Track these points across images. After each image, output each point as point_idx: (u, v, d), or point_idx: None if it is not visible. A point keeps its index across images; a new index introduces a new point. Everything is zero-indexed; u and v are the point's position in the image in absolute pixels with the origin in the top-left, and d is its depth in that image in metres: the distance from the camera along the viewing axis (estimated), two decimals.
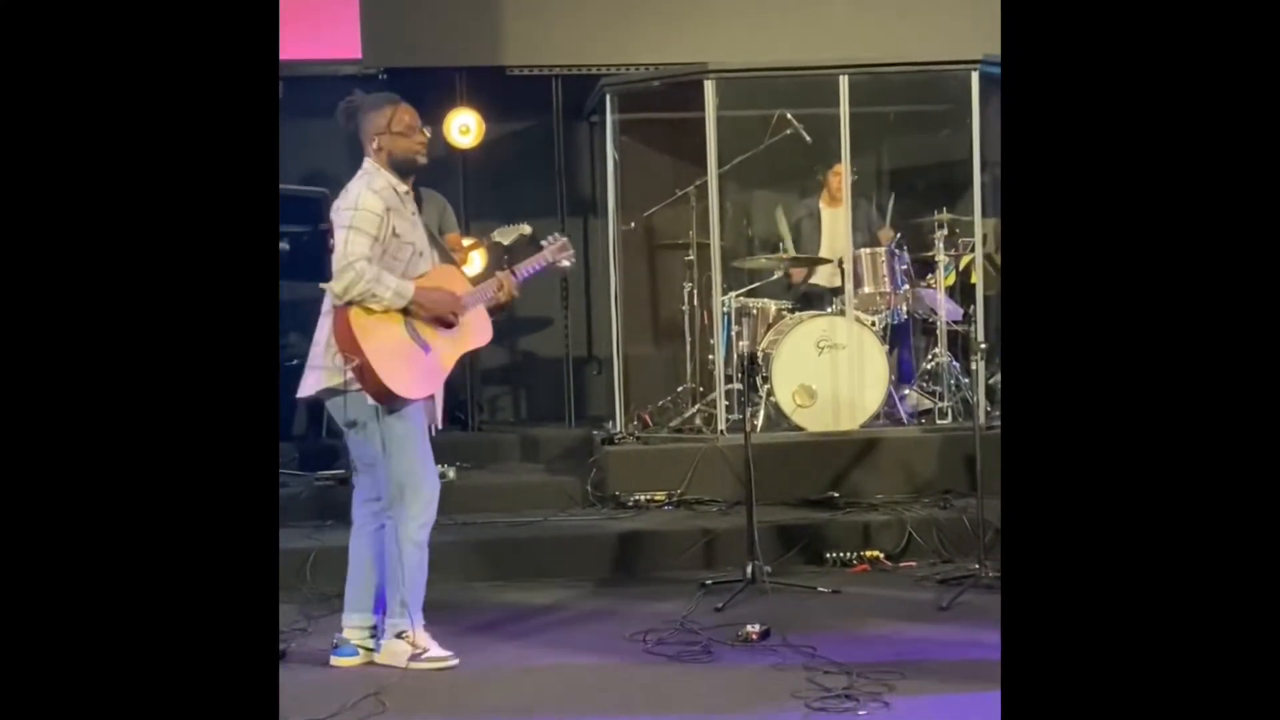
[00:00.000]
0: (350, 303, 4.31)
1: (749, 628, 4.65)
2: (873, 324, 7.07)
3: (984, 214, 7.15)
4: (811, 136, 7.45)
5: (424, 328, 4.44)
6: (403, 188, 4.52)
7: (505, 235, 6.85)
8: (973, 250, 7.26)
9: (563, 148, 8.65)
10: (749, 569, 5.29)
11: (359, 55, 7.86)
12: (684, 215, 7.65)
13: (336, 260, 4.30)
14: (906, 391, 7.24)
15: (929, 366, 7.35)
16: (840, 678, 4.09)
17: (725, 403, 6.99)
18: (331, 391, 4.38)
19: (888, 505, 6.34)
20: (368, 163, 4.52)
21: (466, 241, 7.37)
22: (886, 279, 7.15)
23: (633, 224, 7.88)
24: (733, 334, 7.22)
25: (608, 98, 7.52)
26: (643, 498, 6.50)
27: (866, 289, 7.15)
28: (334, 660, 4.54)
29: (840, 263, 7.21)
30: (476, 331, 4.60)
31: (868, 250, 7.23)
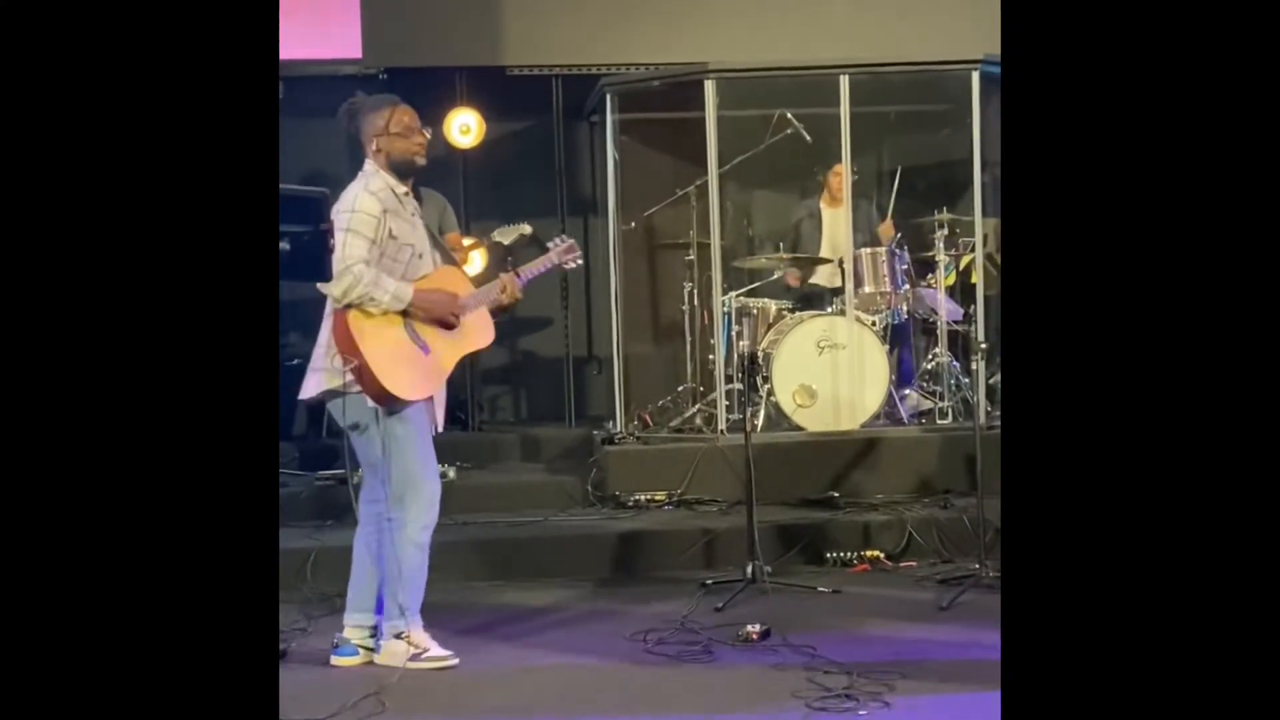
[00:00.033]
0: (349, 305, 4.31)
1: (749, 628, 4.65)
2: (873, 324, 7.07)
3: (984, 214, 7.16)
4: (812, 136, 7.46)
5: (424, 329, 4.44)
6: (401, 189, 4.52)
7: (505, 235, 6.85)
8: (973, 250, 7.26)
9: (563, 147, 8.65)
10: (749, 569, 5.29)
11: (359, 55, 7.86)
12: (684, 215, 7.65)
13: (336, 263, 4.31)
14: (907, 391, 7.24)
15: (929, 366, 7.36)
16: (841, 678, 4.09)
17: (725, 402, 6.99)
18: (332, 393, 4.38)
19: (888, 505, 6.34)
20: (367, 164, 4.52)
21: (467, 241, 7.37)
22: (887, 279, 7.15)
23: (633, 224, 7.88)
24: (733, 334, 7.22)
25: (608, 97, 7.52)
26: (643, 498, 6.50)
27: (867, 289, 7.15)
28: (334, 660, 4.54)
29: (840, 263, 7.21)
30: (478, 333, 4.60)
31: (868, 250, 7.23)
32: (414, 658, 4.42)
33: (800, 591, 5.34)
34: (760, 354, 6.97)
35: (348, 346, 4.30)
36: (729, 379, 7.08)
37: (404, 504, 4.43)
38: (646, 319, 8.61)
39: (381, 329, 4.34)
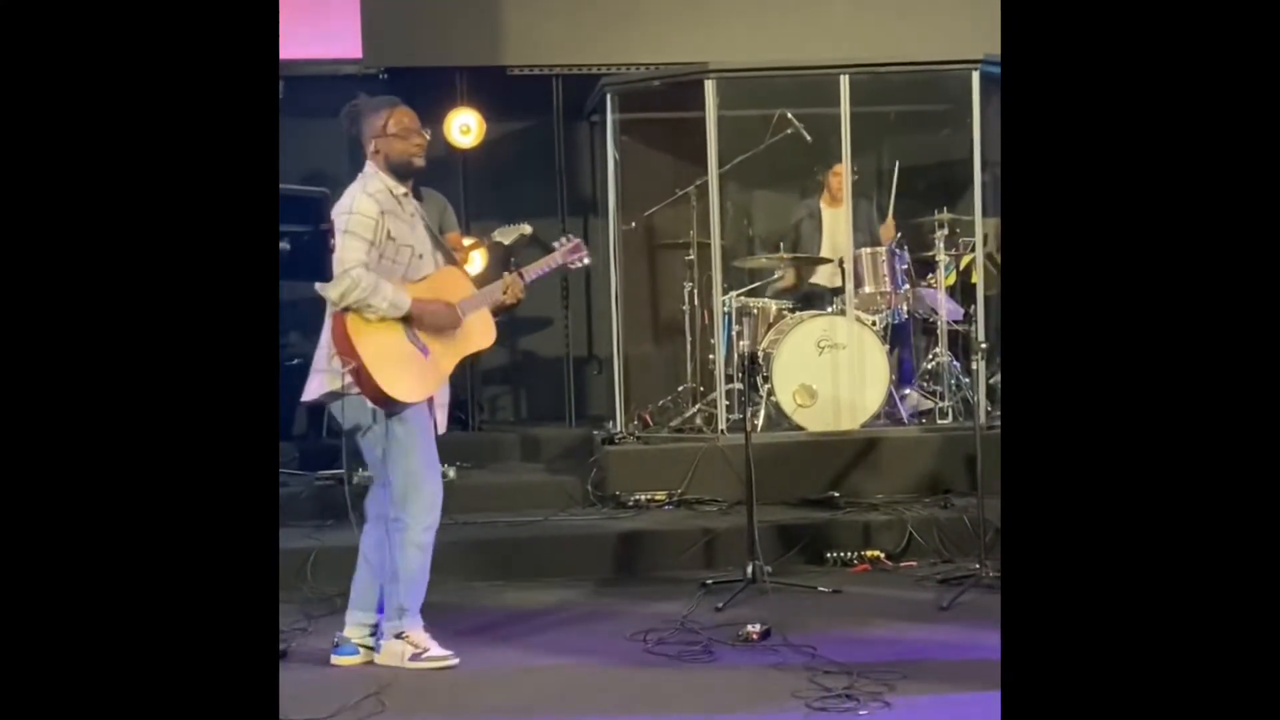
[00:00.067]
0: (347, 308, 4.31)
1: (749, 628, 4.65)
2: (873, 324, 7.07)
3: (984, 214, 7.15)
4: (812, 136, 7.46)
5: (423, 330, 4.43)
6: (400, 190, 4.51)
7: (506, 235, 6.85)
8: (973, 250, 7.26)
9: (563, 147, 8.65)
10: (749, 569, 5.29)
11: (359, 55, 7.86)
12: (684, 215, 7.65)
13: (336, 265, 4.31)
14: (907, 391, 7.24)
15: (929, 366, 7.35)
16: (841, 678, 4.09)
17: (726, 402, 6.99)
18: (333, 395, 4.38)
19: (888, 505, 6.34)
20: (367, 165, 4.52)
21: (467, 241, 7.37)
22: (887, 279, 7.15)
23: (633, 223, 7.88)
24: (733, 334, 7.22)
25: (608, 97, 7.52)
26: (643, 497, 6.50)
27: (867, 289, 7.15)
28: (334, 659, 4.54)
29: (841, 262, 7.21)
30: (479, 334, 4.59)
31: (868, 250, 7.23)
32: (414, 658, 4.42)
33: (800, 591, 5.33)
34: (760, 354, 6.97)
35: (346, 349, 4.30)
36: (729, 379, 7.08)
37: (405, 505, 4.43)
38: (647, 319, 8.61)
39: (380, 331, 4.33)
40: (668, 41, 7.98)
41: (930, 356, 7.38)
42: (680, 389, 7.71)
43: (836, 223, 7.55)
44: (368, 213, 4.35)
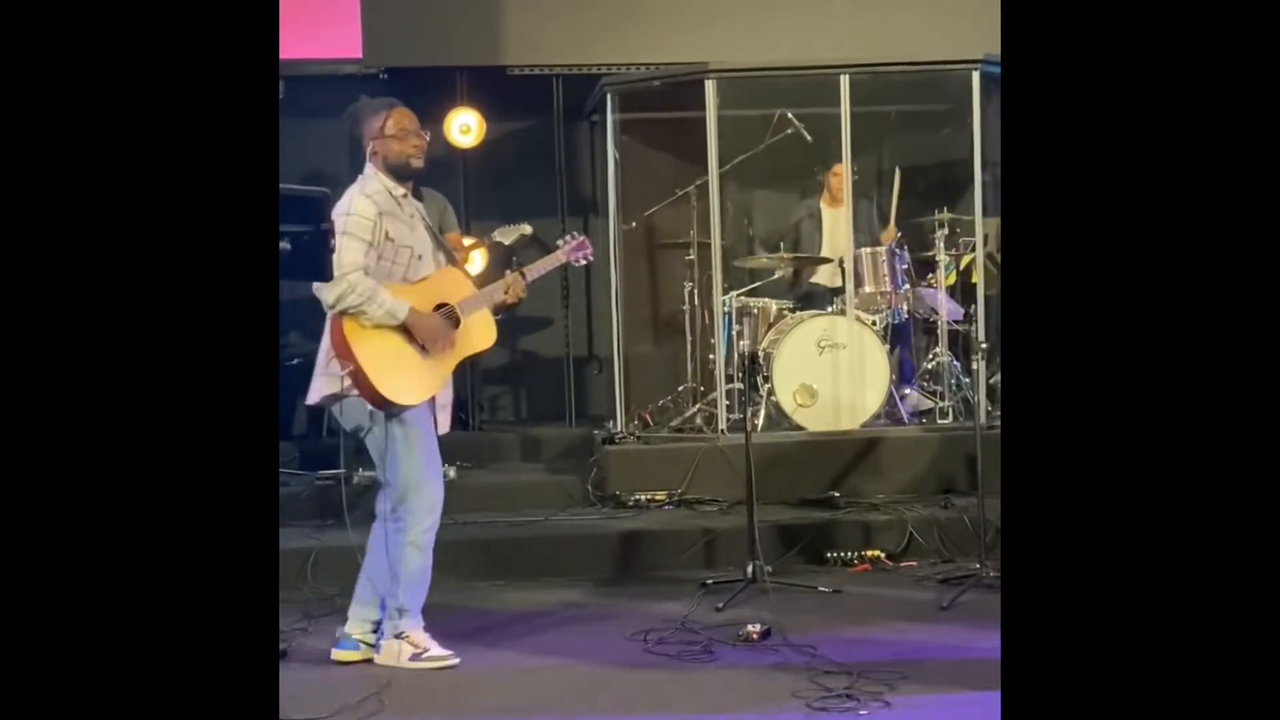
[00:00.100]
0: (344, 312, 4.31)
1: (750, 627, 4.65)
2: (873, 323, 7.07)
3: (985, 213, 7.15)
4: (812, 136, 7.46)
5: (420, 338, 4.42)
6: (399, 191, 4.51)
7: (506, 235, 6.85)
8: (973, 250, 7.26)
9: (563, 147, 8.65)
10: (750, 569, 5.29)
11: (360, 55, 7.86)
12: (684, 215, 7.65)
13: (335, 266, 4.31)
14: (907, 391, 7.24)
15: (930, 366, 7.35)
16: (841, 677, 4.09)
17: (726, 402, 6.99)
18: (334, 398, 4.39)
19: (888, 505, 6.34)
20: (367, 167, 4.52)
21: (467, 241, 7.37)
22: (887, 278, 7.15)
23: (633, 223, 7.88)
24: (733, 333, 7.22)
25: (608, 97, 7.52)
26: (643, 497, 6.50)
27: (867, 288, 7.15)
28: (335, 654, 4.54)
29: (841, 262, 7.21)
30: (479, 334, 4.58)
31: (868, 250, 7.23)
32: (414, 658, 4.42)
33: (801, 591, 5.33)
34: (761, 354, 6.97)
35: (343, 351, 4.30)
36: (729, 379, 7.08)
37: (406, 505, 4.43)
38: (647, 319, 8.61)
39: (378, 333, 4.33)
40: (668, 41, 7.98)
41: (930, 356, 7.38)
42: (680, 389, 7.71)
43: (836, 223, 7.55)
44: (365, 214, 4.34)
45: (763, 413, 6.91)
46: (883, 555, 5.87)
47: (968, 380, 7.03)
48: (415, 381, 4.38)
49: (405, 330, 4.37)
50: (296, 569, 5.56)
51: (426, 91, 7.66)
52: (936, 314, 7.24)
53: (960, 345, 7.34)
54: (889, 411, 7.00)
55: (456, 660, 4.46)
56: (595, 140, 8.50)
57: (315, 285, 4.25)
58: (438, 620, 4.64)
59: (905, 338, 7.47)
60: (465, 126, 8.10)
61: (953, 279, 7.51)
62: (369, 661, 4.51)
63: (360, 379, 4.28)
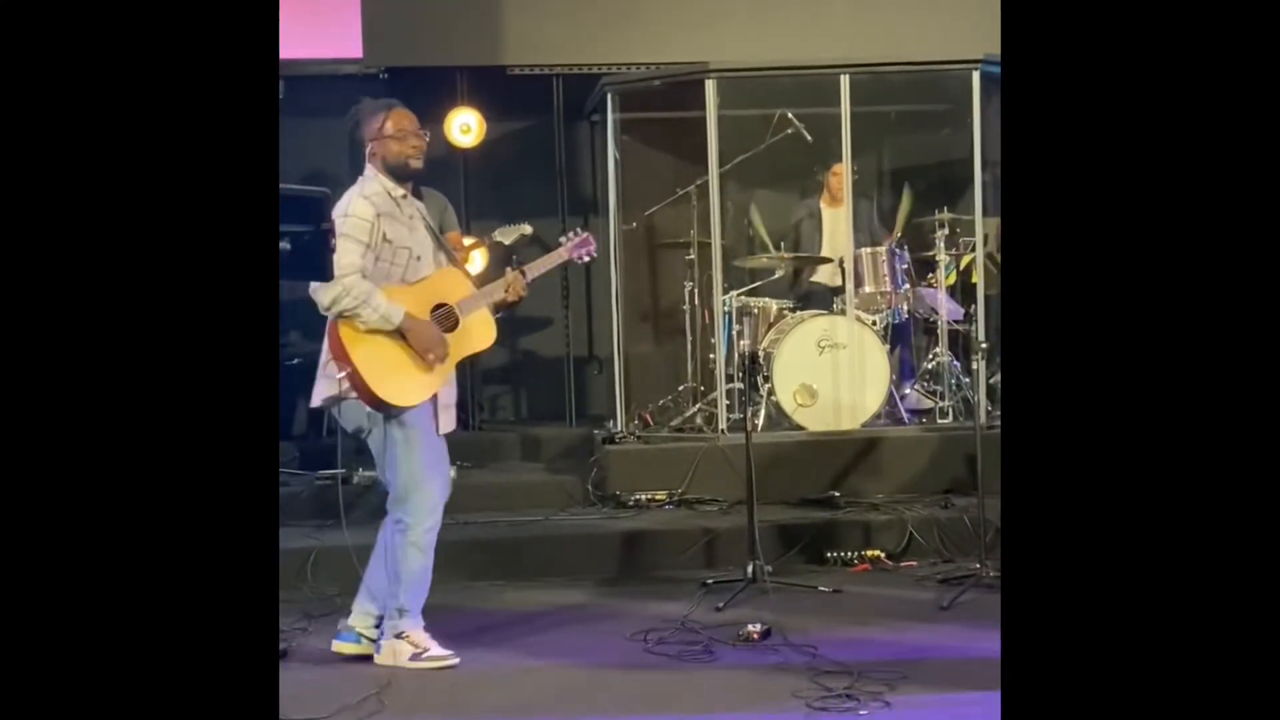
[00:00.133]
0: (340, 315, 4.31)
1: (750, 627, 4.66)
2: (873, 323, 7.07)
3: (985, 213, 7.15)
4: (812, 136, 7.46)
5: (414, 343, 4.41)
6: (399, 191, 4.51)
7: (506, 235, 6.85)
8: (973, 249, 7.26)
9: (564, 147, 8.65)
10: (750, 568, 5.29)
11: (360, 54, 7.86)
12: (685, 214, 7.65)
13: (335, 268, 4.30)
14: (907, 391, 7.24)
15: (930, 366, 7.35)
16: (841, 677, 4.10)
17: (726, 402, 6.99)
18: (335, 399, 4.39)
19: (888, 505, 6.34)
20: (367, 168, 4.52)
21: (467, 241, 7.37)
22: (887, 278, 7.15)
23: (634, 223, 7.88)
24: (734, 333, 7.22)
25: (608, 97, 7.52)
26: (643, 497, 6.50)
27: (867, 288, 7.15)
28: (335, 645, 4.55)
29: (841, 262, 7.21)
30: (478, 334, 4.57)
31: (868, 250, 7.23)
32: (414, 657, 4.42)
33: (801, 591, 5.33)
34: (761, 353, 6.97)
35: (339, 354, 4.30)
36: (729, 378, 7.08)
37: (406, 506, 4.43)
38: (647, 318, 8.62)
39: (374, 335, 4.32)
40: (668, 41, 7.98)
41: (930, 356, 7.38)
42: (680, 388, 7.71)
43: (837, 222, 7.55)
44: (362, 216, 4.35)
45: (763, 413, 6.91)
46: (883, 555, 5.88)
47: (968, 380, 7.03)
48: (413, 383, 4.38)
49: (400, 333, 4.37)
50: (296, 569, 5.56)
51: (427, 91, 7.66)
52: (936, 314, 7.24)
53: (960, 345, 7.34)
54: (889, 411, 7.00)
55: (456, 660, 4.46)
56: (595, 140, 8.50)
57: (312, 286, 4.24)
58: (438, 620, 4.64)
59: (905, 338, 7.47)
60: (465, 126, 8.10)
61: (953, 279, 7.51)
62: (368, 659, 4.51)
63: (357, 382, 4.29)
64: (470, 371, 8.06)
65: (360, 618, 4.58)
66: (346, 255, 4.28)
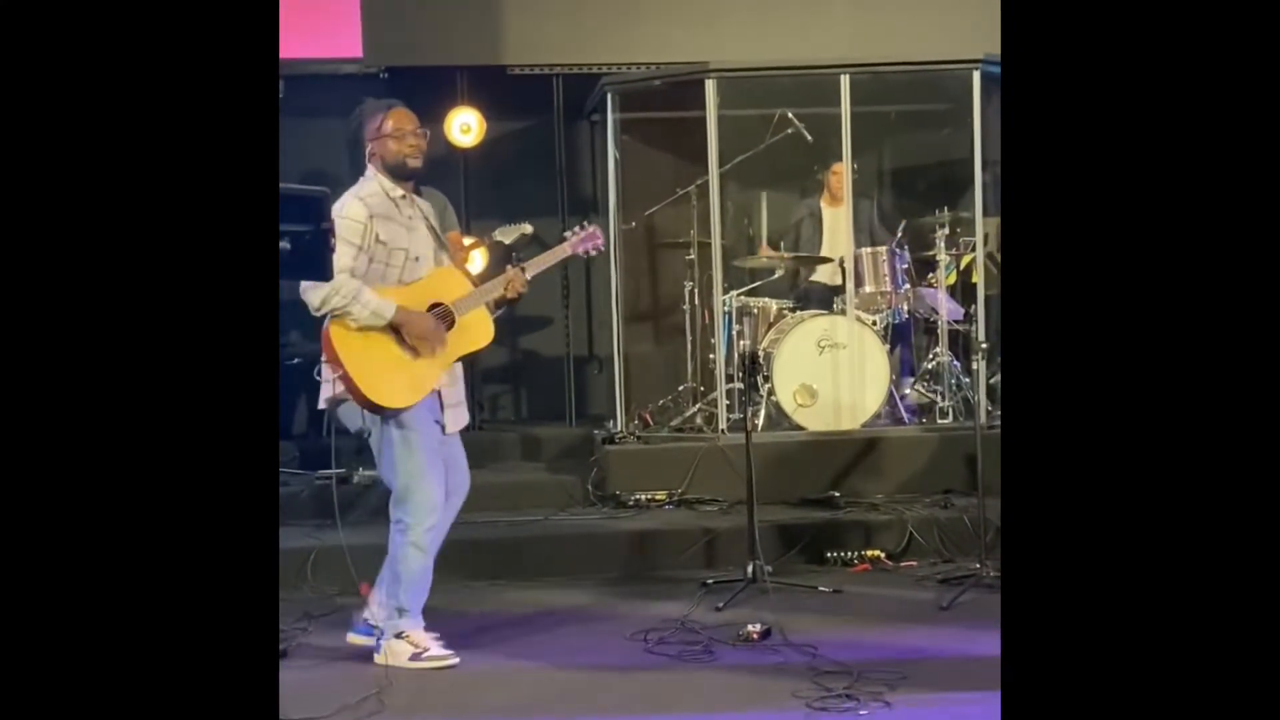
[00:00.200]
0: (332, 315, 4.30)
1: (750, 627, 4.66)
2: (874, 323, 7.07)
3: (985, 213, 7.15)
4: (812, 136, 7.45)
5: (409, 338, 4.40)
6: (397, 192, 4.51)
7: (507, 234, 6.85)
8: (974, 249, 7.26)
9: (564, 147, 8.65)
10: (750, 568, 5.29)
11: (360, 54, 7.86)
12: (685, 214, 7.65)
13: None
14: (907, 391, 7.24)
15: (930, 366, 7.35)
16: (841, 677, 4.09)
17: (726, 402, 6.99)
18: (337, 401, 4.40)
19: (889, 505, 6.34)
20: (368, 168, 4.52)
21: (467, 240, 7.37)
22: (887, 278, 7.15)
23: (634, 223, 7.88)
24: (734, 333, 7.22)
25: (609, 97, 7.52)
26: (643, 497, 6.50)
27: (867, 288, 7.15)
28: (350, 637, 4.54)
29: (841, 262, 7.21)
30: (476, 333, 4.56)
31: (869, 249, 7.23)
32: (414, 657, 4.42)
33: (801, 591, 5.33)
34: (761, 353, 6.97)
35: (331, 357, 4.30)
36: (729, 378, 7.08)
37: (406, 506, 4.43)
38: (647, 318, 8.62)
39: (366, 337, 4.32)
40: (668, 41, 7.98)
41: (931, 356, 7.38)
42: (680, 388, 7.71)
43: (837, 222, 7.55)
44: (355, 217, 4.34)
45: (763, 412, 6.91)
46: (883, 555, 5.88)
47: (968, 380, 7.03)
48: (406, 384, 4.37)
49: (395, 332, 4.36)
50: (296, 569, 5.56)
51: (427, 91, 7.66)
52: (937, 314, 7.24)
53: (960, 345, 7.34)
54: (889, 411, 7.00)
55: (456, 660, 4.46)
56: (595, 140, 8.50)
57: (303, 286, 4.21)
58: (438, 620, 4.64)
59: (905, 337, 7.47)
60: (466, 126, 8.10)
61: (953, 279, 7.51)
62: (370, 659, 4.50)
63: (349, 385, 4.29)
64: (470, 371, 8.04)
65: (379, 609, 4.57)
66: (339, 257, 4.27)
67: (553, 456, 7.61)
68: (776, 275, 7.65)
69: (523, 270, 4.64)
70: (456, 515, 4.68)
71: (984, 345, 5.88)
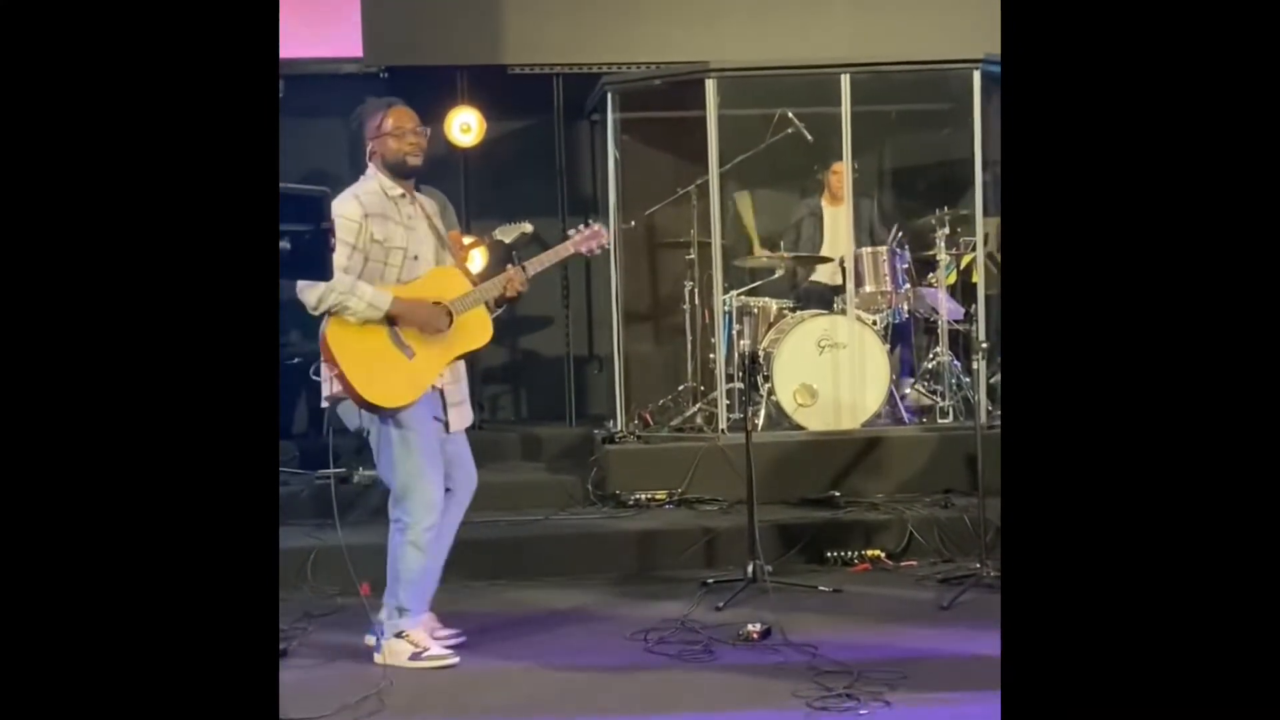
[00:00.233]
0: (329, 313, 4.30)
1: (750, 627, 4.65)
2: (874, 323, 7.07)
3: (986, 213, 7.15)
4: (813, 135, 7.45)
5: (410, 332, 4.40)
6: (396, 190, 4.50)
7: (507, 233, 6.85)
8: (974, 249, 7.26)
9: (564, 146, 8.65)
10: (750, 568, 5.29)
11: (360, 54, 7.87)
12: (685, 214, 7.65)
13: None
14: (907, 391, 7.24)
15: (930, 365, 7.35)
16: (841, 677, 4.09)
17: (726, 402, 6.99)
18: (335, 399, 4.40)
19: (889, 504, 6.34)
20: (368, 167, 4.52)
21: (467, 240, 7.37)
22: (888, 278, 7.15)
23: (633, 223, 7.87)
24: (734, 333, 7.22)
25: (609, 96, 7.52)
26: (644, 497, 6.50)
27: (868, 288, 7.15)
28: (368, 640, 4.53)
29: (841, 261, 7.21)
30: (474, 332, 4.56)
31: (869, 249, 7.23)
32: (414, 657, 4.42)
33: (801, 591, 5.33)
34: (761, 353, 6.97)
35: (326, 356, 4.30)
36: (730, 378, 7.08)
37: (405, 505, 4.43)
38: (647, 318, 8.62)
39: (361, 336, 4.32)
40: (668, 40, 7.99)
41: (931, 356, 7.38)
42: (681, 388, 7.71)
43: (837, 221, 7.55)
44: (349, 216, 4.34)
45: (763, 412, 6.91)
46: (883, 555, 5.88)
47: (968, 380, 7.03)
48: (401, 383, 4.37)
49: (391, 331, 4.36)
50: (296, 569, 5.56)
51: (427, 90, 7.66)
52: (937, 313, 7.24)
53: (961, 345, 7.34)
54: (889, 411, 7.00)
55: (456, 660, 4.47)
56: (596, 139, 8.50)
57: (299, 286, 4.21)
58: (438, 620, 4.63)
59: (906, 337, 7.47)
60: (466, 125, 8.10)
61: (953, 278, 7.51)
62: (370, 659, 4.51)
63: (345, 384, 4.29)
64: (470, 371, 8.02)
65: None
66: (336, 256, 4.27)
67: (553, 456, 7.61)
68: (776, 275, 7.65)
69: (523, 269, 4.63)
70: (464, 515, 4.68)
71: (984, 345, 5.88)
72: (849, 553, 5.88)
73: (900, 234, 7.39)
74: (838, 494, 6.46)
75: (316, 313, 4.31)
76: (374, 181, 4.48)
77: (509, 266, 4.65)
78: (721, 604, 5.10)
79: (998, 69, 6.43)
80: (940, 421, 6.99)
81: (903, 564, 5.84)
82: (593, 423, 7.98)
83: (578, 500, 6.65)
